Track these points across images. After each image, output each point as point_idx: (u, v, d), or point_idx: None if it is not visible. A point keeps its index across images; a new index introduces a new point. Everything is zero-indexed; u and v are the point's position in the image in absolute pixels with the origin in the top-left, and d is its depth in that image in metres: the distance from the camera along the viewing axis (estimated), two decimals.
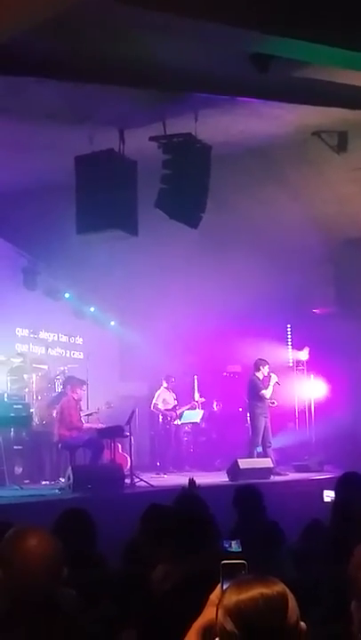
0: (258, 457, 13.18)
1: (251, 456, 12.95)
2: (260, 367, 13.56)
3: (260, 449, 13.40)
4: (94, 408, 13.41)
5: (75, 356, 15.86)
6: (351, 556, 2.55)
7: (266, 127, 10.54)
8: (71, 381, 12.89)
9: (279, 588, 2.02)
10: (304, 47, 7.53)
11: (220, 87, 9.26)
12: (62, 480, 11.55)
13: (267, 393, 13.36)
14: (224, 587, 2.13)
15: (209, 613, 2.19)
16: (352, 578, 2.49)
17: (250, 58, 8.11)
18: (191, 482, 7.16)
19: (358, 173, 12.09)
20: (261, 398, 13.35)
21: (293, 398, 15.41)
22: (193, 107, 9.82)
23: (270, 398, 13.46)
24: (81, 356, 15.57)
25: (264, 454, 13.16)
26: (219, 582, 2.21)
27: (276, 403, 13.62)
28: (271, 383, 13.41)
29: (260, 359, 13.71)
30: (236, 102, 9.76)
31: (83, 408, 12.87)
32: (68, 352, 15.97)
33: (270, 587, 2.00)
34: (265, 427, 13.31)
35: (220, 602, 2.05)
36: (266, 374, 13.50)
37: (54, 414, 12.73)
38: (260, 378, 13.52)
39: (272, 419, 14.34)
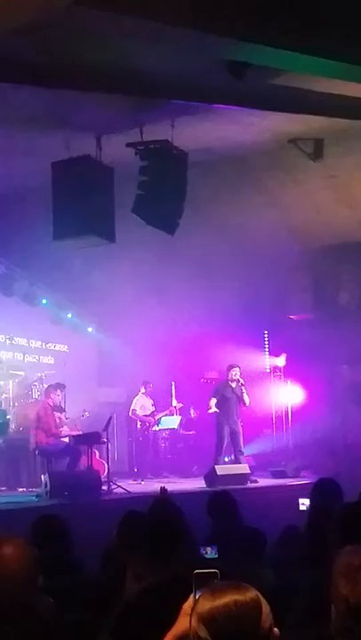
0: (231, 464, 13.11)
1: (217, 464, 12.73)
2: (228, 372, 13.37)
3: (226, 458, 13.28)
4: (72, 414, 13.36)
5: (52, 362, 15.79)
6: (331, 562, 2.52)
7: (242, 134, 10.59)
8: (46, 387, 12.86)
9: (252, 594, 2.02)
10: (280, 55, 7.56)
11: (197, 94, 9.28)
12: (39, 487, 11.49)
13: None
14: (197, 596, 2.13)
15: (182, 623, 2.18)
16: (333, 583, 2.45)
17: (226, 65, 8.15)
18: (163, 490, 7.19)
19: (334, 181, 12.18)
20: (220, 403, 13.18)
21: (270, 404, 15.45)
22: (170, 113, 9.85)
23: (232, 397, 13.19)
24: (58, 362, 15.50)
25: (236, 461, 13.09)
26: (192, 589, 2.21)
27: (246, 401, 13.27)
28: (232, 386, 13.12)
29: (229, 364, 13.53)
30: (212, 109, 9.79)
31: (62, 416, 12.74)
32: (46, 358, 15.89)
33: (243, 593, 2.01)
34: (233, 433, 13.11)
35: (193, 609, 2.05)
36: (232, 378, 13.25)
37: (31, 421, 12.66)
38: (225, 382, 13.31)
39: (249, 425, 14.34)
